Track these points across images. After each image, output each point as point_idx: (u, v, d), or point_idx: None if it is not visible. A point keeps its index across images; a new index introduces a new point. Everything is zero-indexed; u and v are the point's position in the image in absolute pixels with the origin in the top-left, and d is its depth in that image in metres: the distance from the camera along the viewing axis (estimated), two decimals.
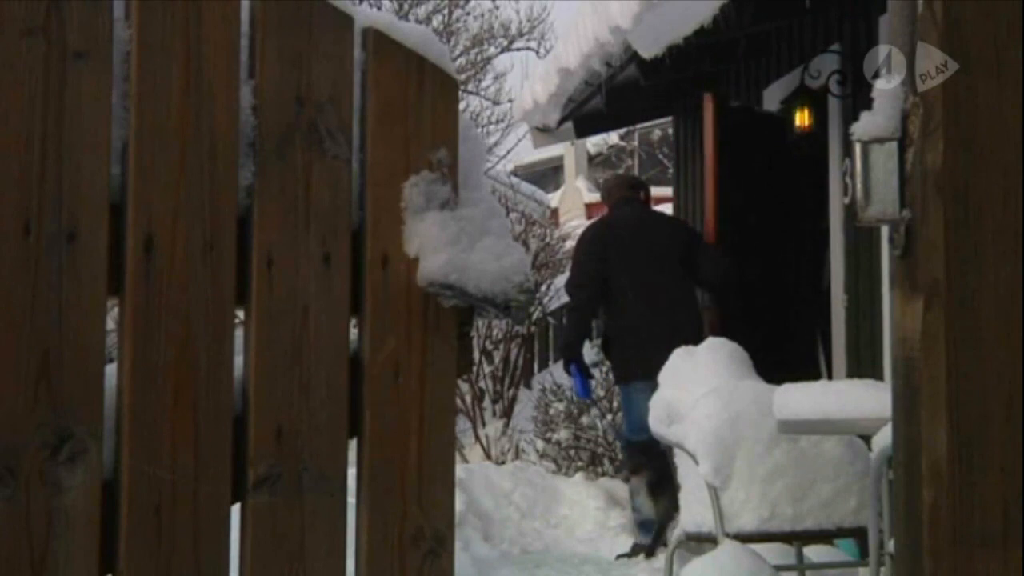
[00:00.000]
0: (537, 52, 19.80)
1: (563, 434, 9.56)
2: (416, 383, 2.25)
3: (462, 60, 18.88)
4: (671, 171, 12.93)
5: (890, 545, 4.56)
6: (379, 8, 16.62)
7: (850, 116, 6.95)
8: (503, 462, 10.26)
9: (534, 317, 12.63)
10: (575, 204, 25.85)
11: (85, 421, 1.99)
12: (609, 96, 9.27)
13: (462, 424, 11.39)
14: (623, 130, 22.86)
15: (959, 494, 2.04)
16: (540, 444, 9.64)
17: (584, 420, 9.69)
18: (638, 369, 7.07)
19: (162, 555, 2.03)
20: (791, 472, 5.42)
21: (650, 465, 7.20)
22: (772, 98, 8.65)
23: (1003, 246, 2.03)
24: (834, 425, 4.87)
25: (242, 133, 2.14)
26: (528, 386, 12.59)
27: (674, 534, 5.77)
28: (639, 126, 21.09)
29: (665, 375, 5.94)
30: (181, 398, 2.06)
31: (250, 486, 2.11)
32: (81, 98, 2.01)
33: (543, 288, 12.57)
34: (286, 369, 2.15)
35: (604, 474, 9.28)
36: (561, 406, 10.00)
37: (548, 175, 29.49)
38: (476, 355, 11.51)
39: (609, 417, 9.52)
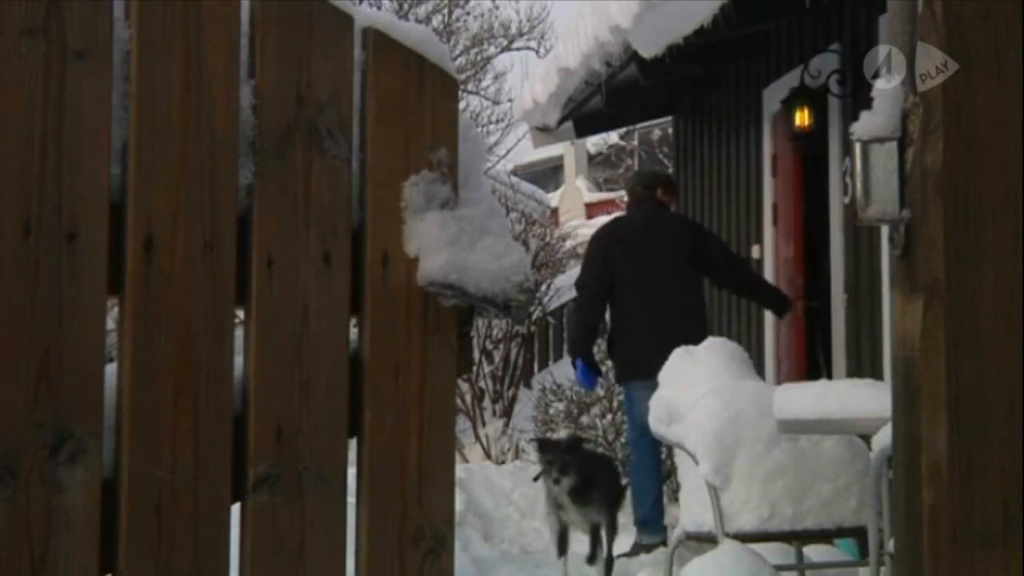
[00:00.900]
0: (537, 52, 19.81)
1: (563, 434, 9.56)
2: (416, 383, 2.25)
3: (462, 60, 18.88)
4: (671, 170, 12.92)
5: (890, 545, 4.56)
6: (379, 8, 16.61)
7: (850, 116, 6.95)
8: (503, 462, 10.27)
9: (534, 317, 12.63)
10: (575, 204, 25.85)
11: (85, 421, 1.99)
12: (609, 96, 9.28)
13: (462, 424, 11.40)
14: (623, 130, 22.85)
15: (959, 494, 2.04)
16: None
17: (584, 420, 9.69)
18: (638, 369, 7.09)
19: (162, 555, 2.03)
20: (791, 472, 5.42)
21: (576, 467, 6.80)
22: (772, 97, 8.66)
23: (1003, 246, 2.04)
24: (834, 425, 4.87)
25: (242, 132, 2.14)
26: (528, 386, 12.60)
27: (674, 534, 5.77)
28: (639, 126, 21.08)
29: (665, 375, 5.94)
30: (181, 398, 2.06)
31: (250, 486, 2.11)
32: (81, 98, 2.01)
33: (543, 288, 12.57)
34: (286, 369, 2.15)
35: None
36: (561, 406, 10.00)
37: (548, 175, 29.49)
38: (476, 355, 11.51)
39: (609, 417, 9.53)
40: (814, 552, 6.24)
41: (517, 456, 10.55)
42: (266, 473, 2.12)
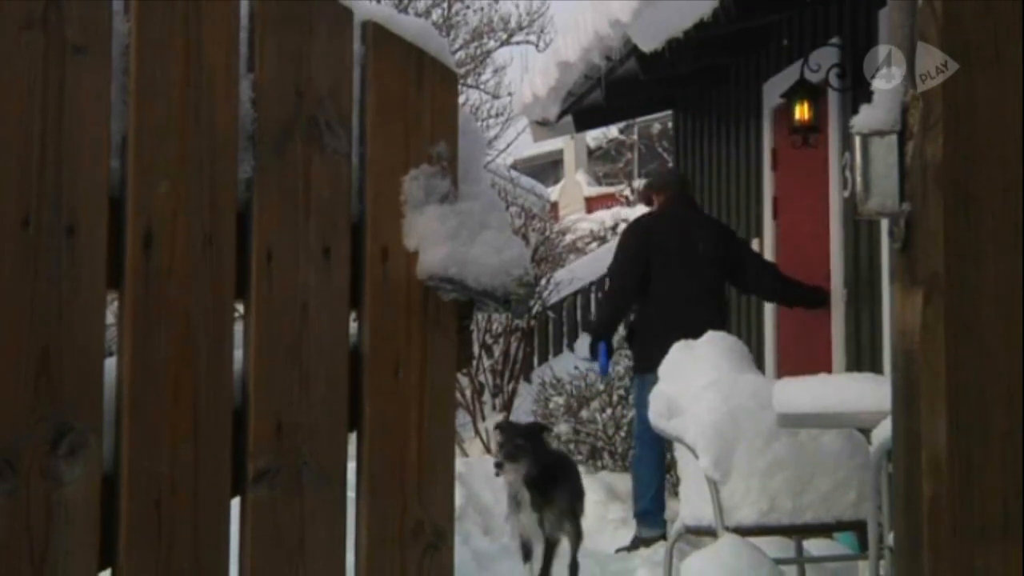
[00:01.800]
0: (537, 46, 19.78)
1: (563, 428, 9.57)
2: (416, 377, 2.25)
3: (461, 54, 18.86)
4: (671, 164, 12.92)
5: (890, 539, 4.57)
6: (378, 1, 16.60)
7: (849, 109, 6.95)
8: None
9: (534, 311, 12.63)
10: (575, 198, 25.85)
11: (85, 415, 1.99)
12: (609, 90, 9.27)
13: (462, 418, 11.40)
14: (623, 124, 22.86)
15: (959, 487, 2.04)
16: None
17: (584, 414, 9.69)
18: (655, 362, 7.19)
19: (162, 549, 2.03)
20: (790, 465, 5.43)
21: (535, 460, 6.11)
22: (772, 92, 8.65)
23: (1003, 239, 2.03)
24: (833, 419, 4.88)
25: (241, 127, 2.14)
26: (528, 380, 12.60)
27: (674, 528, 5.77)
28: (639, 120, 21.09)
29: (665, 369, 5.94)
30: (181, 392, 2.06)
31: (250, 480, 2.11)
32: (80, 92, 2.00)
33: (543, 282, 12.57)
34: (286, 363, 2.15)
35: (604, 468, 9.29)
36: (561, 400, 10.00)
37: (548, 169, 29.50)
38: (476, 349, 11.51)
39: (608, 411, 9.53)
40: (813, 546, 6.24)
41: None
42: (266, 467, 2.12)
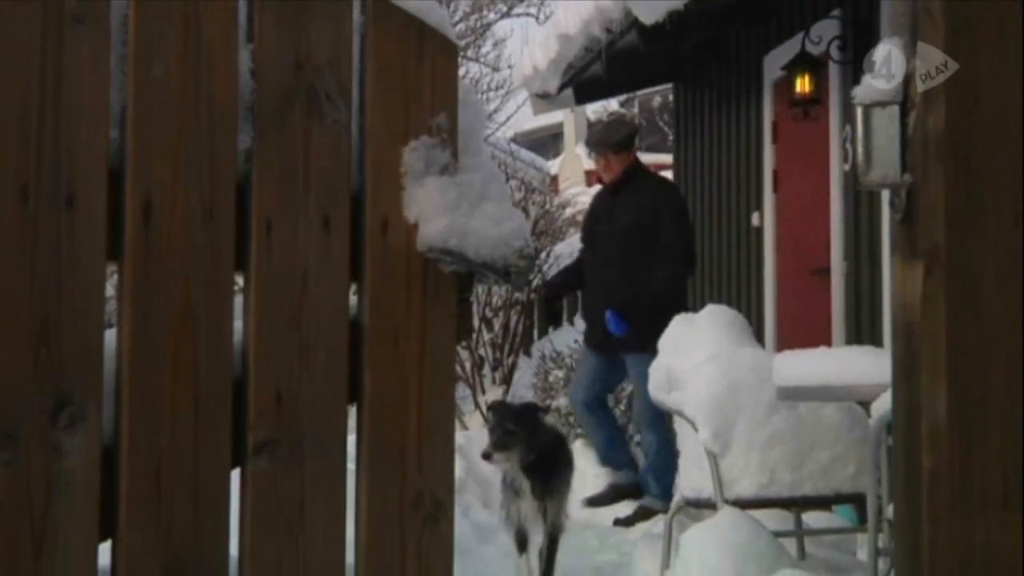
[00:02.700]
0: (537, 18, 19.71)
1: (562, 401, 9.56)
2: (416, 349, 2.25)
3: (461, 26, 18.79)
4: (671, 138, 12.90)
5: (889, 511, 4.58)
6: None
7: (850, 82, 6.93)
8: None
9: (534, 284, 12.63)
10: (575, 171, 25.80)
11: (85, 386, 1.99)
12: (609, 63, 9.24)
13: (462, 391, 11.41)
14: (623, 97, 22.79)
15: (959, 459, 2.04)
16: None
17: None
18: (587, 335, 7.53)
19: (162, 519, 2.03)
20: (790, 439, 5.43)
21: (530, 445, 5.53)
22: (773, 64, 8.63)
23: (1004, 211, 2.03)
24: (833, 392, 4.88)
25: (241, 97, 2.13)
26: (528, 353, 12.60)
27: (673, 501, 5.78)
28: (639, 93, 21.02)
29: (665, 342, 5.94)
30: (180, 363, 2.06)
31: (250, 451, 2.11)
32: (79, 62, 2.00)
33: (543, 255, 12.56)
34: (285, 335, 2.15)
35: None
36: (561, 373, 10.00)
37: (548, 142, 29.45)
38: (476, 322, 11.52)
39: None
40: (812, 519, 6.25)
41: None
42: (266, 439, 2.12)
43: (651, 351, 6.73)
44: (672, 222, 7.37)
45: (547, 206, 14.43)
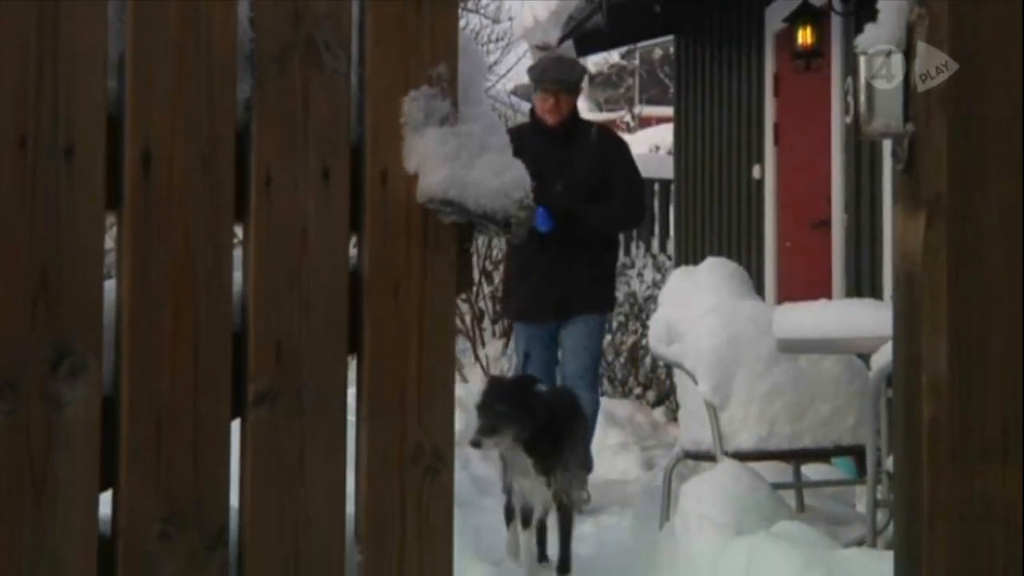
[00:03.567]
0: None
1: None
2: (416, 300, 2.24)
3: None
4: (672, 91, 12.85)
5: (888, 463, 4.59)
6: None
7: (852, 34, 6.89)
8: None
9: None
10: None
11: (84, 337, 1.99)
12: (610, 14, 9.21)
13: (462, 344, 11.41)
14: (624, 49, 22.68)
15: (959, 409, 2.04)
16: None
17: None
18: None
19: (162, 470, 2.04)
20: (789, 391, 5.45)
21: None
22: (774, 16, 8.59)
23: (1007, 161, 2.02)
24: (833, 344, 4.89)
25: (240, 47, 2.12)
26: None
27: (673, 452, 5.80)
28: (640, 45, 20.93)
29: (665, 295, 5.95)
30: (180, 314, 2.06)
31: (250, 402, 2.11)
32: (77, 11, 1.98)
33: None
34: (285, 286, 2.14)
35: (604, 394, 9.32)
36: None
37: None
38: (476, 275, 11.51)
39: (608, 337, 9.54)
40: (812, 471, 6.28)
41: None
42: (266, 390, 2.12)
43: (604, 310, 7.01)
44: (631, 171, 6.98)
45: None
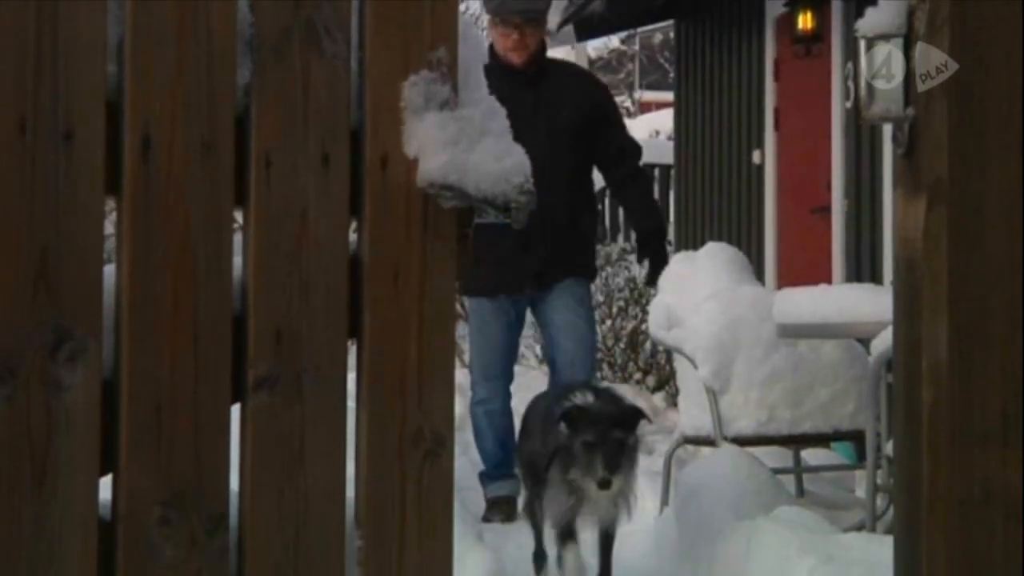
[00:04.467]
0: None
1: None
2: (416, 285, 2.24)
3: None
4: (672, 76, 12.83)
5: (888, 448, 4.60)
6: None
7: (853, 18, 6.88)
8: None
9: None
10: None
11: (84, 321, 1.99)
12: (610, 1, 9.19)
13: (462, 329, 11.38)
14: (624, 34, 22.67)
15: (959, 394, 2.04)
16: (539, 349, 9.65)
17: None
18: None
19: (162, 454, 2.04)
20: (789, 376, 5.46)
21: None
22: (775, 0, 8.58)
23: (1007, 145, 2.02)
24: (833, 329, 4.89)
25: (240, 31, 2.11)
26: None
27: (673, 437, 5.80)
28: (640, 30, 20.90)
29: (665, 280, 5.94)
30: (180, 298, 2.05)
31: (250, 386, 2.11)
32: None
33: None
34: (285, 271, 2.14)
35: (604, 379, 9.32)
36: None
37: None
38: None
39: (608, 323, 9.54)
40: (811, 456, 6.28)
41: (517, 361, 10.56)
42: (266, 374, 2.12)
43: (589, 277, 5.93)
44: (620, 119, 6.04)
45: None
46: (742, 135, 9.32)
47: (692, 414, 5.54)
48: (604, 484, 4.10)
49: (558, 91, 5.71)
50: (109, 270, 2.04)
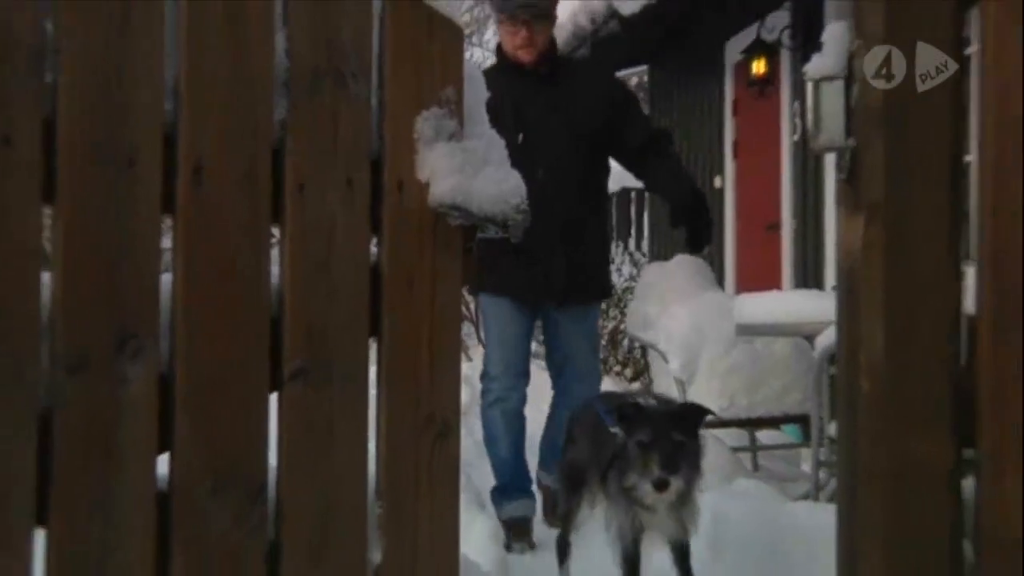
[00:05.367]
0: None
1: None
2: (427, 291, 2.24)
3: (466, 16, 18.66)
4: (648, 111, 12.83)
5: (829, 429, 4.59)
6: None
7: (800, 64, 6.89)
8: None
9: None
10: None
11: (144, 324, 1.98)
12: (594, 48, 9.21)
13: (466, 328, 11.42)
14: None
15: (891, 383, 2.04)
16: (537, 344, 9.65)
17: None
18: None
19: (211, 437, 2.03)
20: (747, 368, 5.46)
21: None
22: (733, 49, 8.59)
23: (933, 171, 2.02)
24: (783, 328, 4.89)
25: (277, 75, 2.10)
26: None
27: None
28: (619, 74, 20.91)
29: (641, 288, 5.94)
30: (226, 304, 2.04)
31: (286, 378, 2.10)
32: (140, 45, 1.97)
33: None
34: (316, 278, 2.13)
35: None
36: None
37: None
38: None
39: (610, 325, 9.52)
40: (765, 436, 6.28)
41: None
42: (299, 367, 2.11)
43: (608, 294, 5.07)
44: (641, 113, 5.03)
45: None
46: (706, 163, 9.32)
47: None
48: (660, 485, 3.23)
49: (574, 91, 4.80)
50: (166, 279, 2.03)
